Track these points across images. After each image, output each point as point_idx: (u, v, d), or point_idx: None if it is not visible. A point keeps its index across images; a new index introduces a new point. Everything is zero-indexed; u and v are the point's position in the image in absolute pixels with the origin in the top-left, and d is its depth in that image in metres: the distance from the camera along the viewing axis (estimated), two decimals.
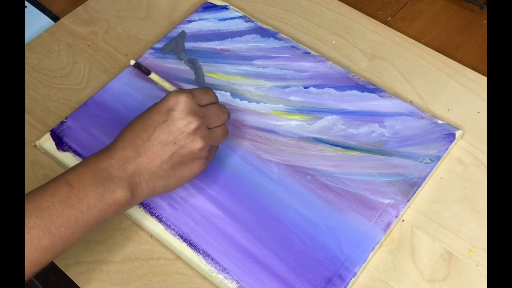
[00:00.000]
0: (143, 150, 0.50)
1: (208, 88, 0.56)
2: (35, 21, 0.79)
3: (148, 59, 0.70)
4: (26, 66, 0.72)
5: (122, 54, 0.73)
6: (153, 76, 0.54)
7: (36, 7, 0.81)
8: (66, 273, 0.56)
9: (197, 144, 0.51)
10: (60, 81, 0.71)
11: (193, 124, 0.51)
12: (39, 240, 0.45)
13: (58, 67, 0.72)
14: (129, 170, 0.49)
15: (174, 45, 0.71)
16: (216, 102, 0.56)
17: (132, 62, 0.53)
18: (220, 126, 0.55)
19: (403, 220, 0.58)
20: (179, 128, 0.51)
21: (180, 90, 0.53)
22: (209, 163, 0.56)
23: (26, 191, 0.60)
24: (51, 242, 0.45)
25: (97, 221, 0.48)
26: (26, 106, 0.68)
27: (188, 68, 0.69)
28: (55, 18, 0.79)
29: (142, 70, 0.54)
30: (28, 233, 0.44)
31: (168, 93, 0.52)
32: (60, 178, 0.48)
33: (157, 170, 0.51)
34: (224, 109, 0.56)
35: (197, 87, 0.60)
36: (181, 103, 0.51)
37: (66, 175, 0.48)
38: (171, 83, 0.59)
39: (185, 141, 0.51)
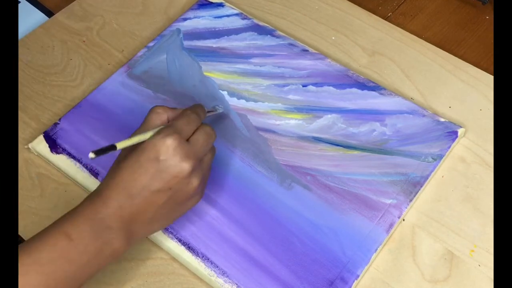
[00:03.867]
0: (138, 200, 0.48)
1: (189, 113, 0.52)
2: (28, 17, 0.78)
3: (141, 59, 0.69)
4: (19, 62, 0.71)
5: (118, 50, 0.72)
6: (120, 145, 0.49)
7: (29, 3, 0.80)
8: None
9: (193, 184, 0.50)
10: (55, 77, 0.70)
11: (187, 168, 0.49)
12: None
13: (52, 63, 0.71)
14: (125, 219, 0.48)
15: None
16: (201, 124, 0.53)
17: (92, 155, 0.47)
18: (209, 151, 0.53)
19: (404, 220, 0.57)
20: (173, 175, 0.48)
21: (165, 132, 0.49)
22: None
23: (19, 191, 0.60)
24: None
25: (95, 273, 0.47)
26: (20, 103, 0.68)
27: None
28: (49, 13, 0.78)
29: (106, 150, 0.48)
30: None
31: (153, 137, 0.49)
32: (58, 229, 0.46)
33: (153, 215, 0.49)
34: (211, 131, 0.53)
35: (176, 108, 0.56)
36: (171, 148, 0.48)
37: (64, 225, 0.47)
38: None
39: (180, 186, 0.49)
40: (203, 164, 0.52)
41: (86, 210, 0.48)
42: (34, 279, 0.43)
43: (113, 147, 0.48)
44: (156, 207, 0.49)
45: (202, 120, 0.54)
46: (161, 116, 0.52)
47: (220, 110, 0.62)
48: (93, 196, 0.49)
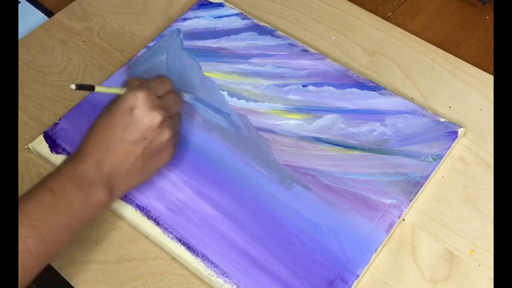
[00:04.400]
0: (115, 152, 0.51)
1: (164, 78, 0.58)
2: (29, 17, 0.78)
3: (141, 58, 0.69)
4: (19, 62, 0.71)
5: (118, 50, 0.72)
6: (98, 88, 0.53)
7: (30, 3, 0.80)
8: (60, 273, 0.56)
9: (165, 135, 0.54)
10: (55, 77, 0.70)
11: (158, 117, 0.52)
12: (35, 248, 0.46)
13: (52, 63, 0.71)
14: (105, 172, 0.51)
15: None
16: (172, 90, 0.58)
17: (73, 86, 0.51)
18: (177, 114, 0.58)
19: (404, 220, 0.57)
20: (146, 124, 0.52)
21: (137, 87, 0.53)
22: (179, 149, 0.59)
23: (19, 191, 0.60)
24: (46, 249, 0.47)
25: (84, 222, 0.50)
26: (20, 103, 0.68)
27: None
28: (49, 13, 0.79)
29: (85, 88, 0.52)
30: (24, 242, 0.45)
31: (126, 92, 0.53)
32: (42, 186, 0.49)
33: (132, 167, 0.53)
34: (179, 96, 0.59)
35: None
36: (141, 100, 0.52)
37: (46, 182, 0.49)
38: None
39: (154, 135, 0.53)
40: (173, 121, 0.56)
41: (67, 167, 0.51)
42: (26, 231, 0.46)
43: (91, 88, 0.52)
44: (133, 158, 0.52)
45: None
46: (136, 82, 0.56)
47: (186, 98, 0.64)
48: (72, 156, 0.52)
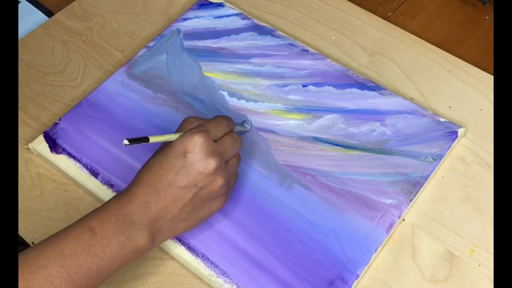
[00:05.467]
0: (164, 195, 0.49)
1: (221, 118, 0.55)
2: (29, 17, 0.78)
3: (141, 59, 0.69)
4: (19, 62, 0.71)
5: (118, 50, 0.72)
6: (153, 138, 0.50)
7: (30, 2, 0.80)
8: None
9: (217, 183, 0.51)
10: (54, 77, 0.70)
11: (212, 164, 0.50)
12: None
13: (52, 63, 0.71)
14: (150, 216, 0.49)
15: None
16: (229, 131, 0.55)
17: (125, 142, 0.49)
18: (234, 156, 0.55)
19: (404, 220, 0.57)
20: (198, 170, 0.49)
21: (195, 129, 0.51)
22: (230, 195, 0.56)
23: (19, 191, 0.60)
24: None
25: (116, 269, 0.48)
26: (20, 103, 0.68)
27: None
28: (49, 13, 0.78)
29: (139, 141, 0.50)
30: (51, 283, 0.44)
31: (184, 134, 0.51)
32: (83, 224, 0.47)
33: (179, 213, 0.50)
34: (237, 137, 0.55)
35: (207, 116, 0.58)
36: (198, 144, 0.49)
37: (89, 221, 0.48)
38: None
39: (205, 182, 0.50)
40: (228, 166, 0.53)
41: (112, 206, 0.49)
42: (55, 271, 0.44)
43: (146, 139, 0.50)
44: (181, 204, 0.50)
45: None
46: (193, 124, 0.54)
47: (248, 128, 0.63)
48: (121, 193, 0.50)
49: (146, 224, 0.48)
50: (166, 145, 0.52)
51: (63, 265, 0.45)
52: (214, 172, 0.50)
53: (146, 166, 0.51)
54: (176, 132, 0.53)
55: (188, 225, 0.52)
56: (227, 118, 0.56)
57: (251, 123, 0.63)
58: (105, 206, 0.49)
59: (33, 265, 0.44)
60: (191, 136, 0.50)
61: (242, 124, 0.63)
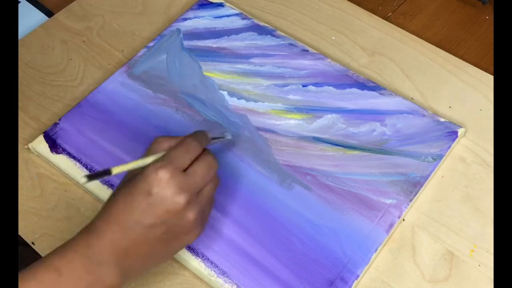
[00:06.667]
0: (132, 233, 0.46)
1: (189, 141, 0.49)
2: (28, 17, 0.78)
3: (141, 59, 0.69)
4: (19, 62, 0.71)
5: (118, 50, 0.72)
6: (115, 169, 0.46)
7: (29, 3, 0.80)
8: None
9: (188, 218, 0.47)
10: (54, 77, 0.70)
11: (180, 202, 0.46)
12: None
13: (52, 63, 0.71)
14: (119, 254, 0.46)
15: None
16: (201, 153, 0.50)
17: (83, 180, 0.45)
18: (209, 182, 0.50)
19: (403, 220, 0.57)
20: (166, 209, 0.46)
21: (159, 164, 0.46)
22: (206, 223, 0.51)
23: (19, 191, 0.60)
24: None
25: None
26: (20, 103, 0.68)
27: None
28: (49, 13, 0.78)
29: (100, 175, 0.46)
30: None
31: (147, 169, 0.46)
32: (48, 263, 0.44)
33: (148, 250, 0.47)
34: (212, 161, 0.50)
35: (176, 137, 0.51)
36: (163, 181, 0.45)
37: (55, 260, 0.44)
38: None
39: (175, 220, 0.47)
40: (201, 196, 0.49)
41: (78, 244, 0.45)
42: None
43: (107, 172, 0.46)
44: (150, 243, 0.47)
45: (206, 146, 0.52)
46: (162, 145, 0.50)
47: (229, 137, 0.61)
48: (86, 229, 0.47)
49: (114, 263, 0.45)
50: (136, 172, 0.47)
51: None
52: (183, 208, 0.46)
53: (113, 200, 0.47)
54: (144, 155, 0.49)
55: (159, 260, 0.49)
56: (197, 137, 0.51)
57: (230, 133, 0.61)
58: (71, 243, 0.46)
59: None
60: (155, 172, 0.45)
61: (222, 134, 0.61)
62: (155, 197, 0.45)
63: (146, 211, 0.45)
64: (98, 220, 0.46)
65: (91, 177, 0.45)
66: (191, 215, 0.47)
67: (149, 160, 0.48)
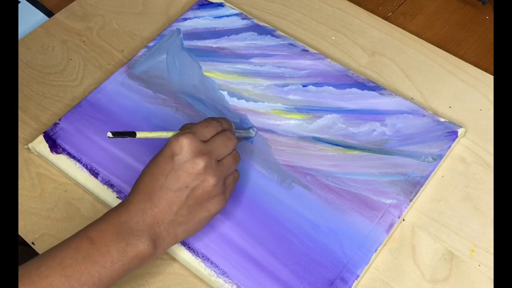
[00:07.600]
0: (158, 200, 0.49)
1: (210, 119, 0.55)
2: (29, 17, 0.78)
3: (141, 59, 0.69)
4: (19, 62, 0.71)
5: (118, 50, 0.72)
6: (139, 134, 0.51)
7: (29, 3, 0.80)
8: None
9: (208, 182, 0.50)
10: (54, 77, 0.70)
11: (200, 163, 0.50)
12: None
13: (52, 63, 0.71)
14: (148, 222, 0.49)
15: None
16: (221, 131, 0.55)
17: (109, 134, 0.48)
18: (229, 155, 0.54)
19: (404, 220, 0.57)
20: (187, 171, 0.50)
21: (181, 133, 0.51)
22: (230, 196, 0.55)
23: (19, 191, 0.60)
24: None
25: (119, 276, 0.48)
26: (20, 103, 0.68)
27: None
28: (49, 13, 0.78)
29: (125, 135, 0.49)
30: None
31: (170, 138, 0.51)
32: (82, 234, 0.48)
33: (175, 217, 0.50)
34: (231, 136, 0.55)
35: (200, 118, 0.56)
36: (184, 145, 0.50)
37: (88, 230, 0.48)
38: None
39: (196, 182, 0.50)
40: (221, 165, 0.52)
41: (110, 215, 0.49)
42: (57, 281, 0.44)
43: (132, 134, 0.50)
44: (176, 207, 0.50)
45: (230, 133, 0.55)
46: (187, 126, 0.54)
47: (252, 134, 0.62)
48: (118, 205, 0.51)
49: (144, 230, 0.49)
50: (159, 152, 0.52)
51: (64, 275, 0.45)
52: (203, 172, 0.50)
53: (140, 175, 0.51)
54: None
55: (188, 229, 0.52)
56: (219, 119, 0.56)
57: (256, 129, 0.63)
58: (103, 216, 0.50)
59: (34, 276, 0.44)
60: (177, 138, 0.50)
61: (248, 129, 0.63)
62: (177, 161, 0.50)
63: (170, 175, 0.50)
64: (129, 194, 0.51)
65: (116, 134, 0.49)
66: (211, 179, 0.50)
67: (171, 133, 0.52)
